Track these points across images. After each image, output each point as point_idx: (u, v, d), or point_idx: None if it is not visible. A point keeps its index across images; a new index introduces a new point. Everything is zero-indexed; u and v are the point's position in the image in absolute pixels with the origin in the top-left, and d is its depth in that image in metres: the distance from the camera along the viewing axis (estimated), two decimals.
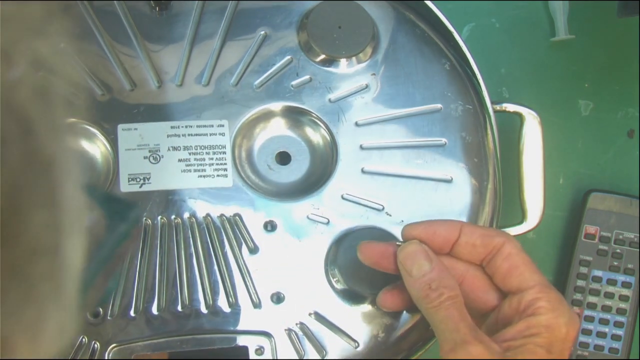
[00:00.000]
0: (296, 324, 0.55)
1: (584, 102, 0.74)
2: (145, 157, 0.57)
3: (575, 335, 0.47)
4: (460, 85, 0.60)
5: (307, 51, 0.59)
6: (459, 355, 0.46)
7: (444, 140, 0.59)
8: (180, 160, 0.57)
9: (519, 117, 0.64)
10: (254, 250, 0.56)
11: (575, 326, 0.47)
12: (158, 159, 0.57)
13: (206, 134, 0.57)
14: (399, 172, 0.58)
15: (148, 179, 0.56)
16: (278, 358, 0.54)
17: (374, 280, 0.54)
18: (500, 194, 0.60)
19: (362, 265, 0.52)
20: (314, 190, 0.58)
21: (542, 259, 0.73)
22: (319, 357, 0.55)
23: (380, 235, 0.56)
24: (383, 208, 0.57)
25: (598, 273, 0.70)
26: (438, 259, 0.49)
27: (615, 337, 0.69)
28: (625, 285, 0.69)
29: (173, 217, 0.56)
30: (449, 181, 0.58)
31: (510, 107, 0.64)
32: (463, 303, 0.48)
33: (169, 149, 0.57)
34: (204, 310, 0.55)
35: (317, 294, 0.56)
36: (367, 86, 0.59)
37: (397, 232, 0.56)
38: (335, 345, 0.56)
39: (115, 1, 0.59)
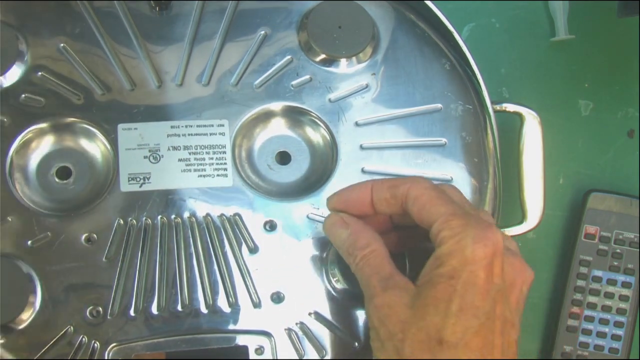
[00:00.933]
0: (296, 324, 0.55)
1: (584, 102, 0.74)
2: (145, 157, 0.57)
3: (487, 253, 0.45)
4: (460, 85, 0.60)
5: (307, 51, 0.59)
6: (369, 310, 0.47)
7: (444, 140, 0.59)
8: (180, 160, 0.57)
9: (519, 117, 0.64)
10: (253, 250, 0.56)
11: (484, 243, 0.45)
12: (158, 159, 0.57)
13: (206, 134, 0.57)
14: (399, 172, 0.58)
15: (148, 179, 0.56)
16: (278, 358, 0.54)
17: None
18: (500, 194, 0.60)
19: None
20: (314, 190, 0.58)
21: (542, 259, 0.73)
22: (319, 357, 0.55)
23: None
24: None
25: (598, 273, 0.70)
26: (355, 222, 0.51)
27: (615, 337, 0.69)
28: (625, 285, 0.69)
29: (173, 216, 0.56)
30: (449, 181, 0.58)
31: (510, 107, 0.64)
32: (382, 255, 0.49)
33: (169, 149, 0.57)
34: (203, 310, 0.55)
35: (317, 294, 0.56)
36: (367, 86, 0.59)
37: None
38: (335, 345, 0.56)
39: (115, 1, 0.59)
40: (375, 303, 0.47)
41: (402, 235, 0.54)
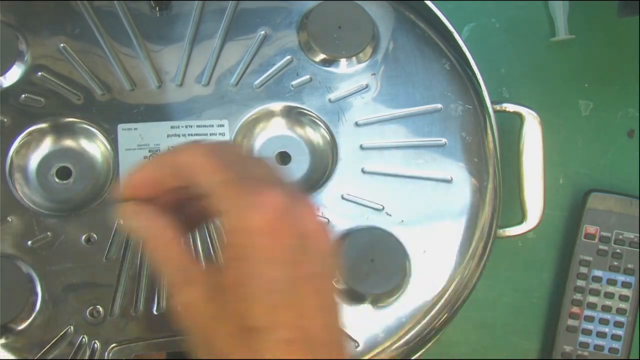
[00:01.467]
0: None
1: (584, 102, 0.74)
2: (145, 157, 0.57)
3: (267, 217, 0.39)
4: (460, 85, 0.60)
5: (307, 51, 0.59)
6: (176, 309, 0.42)
7: (444, 140, 0.59)
8: None
9: (519, 117, 0.64)
10: None
11: (260, 208, 0.39)
12: None
13: (206, 134, 0.57)
14: (399, 172, 0.58)
15: None
16: None
17: (374, 280, 0.54)
18: (500, 194, 0.60)
19: (362, 265, 0.52)
20: (314, 190, 0.58)
21: (542, 259, 0.73)
22: None
23: (380, 235, 0.56)
24: (383, 208, 0.57)
25: (598, 273, 0.70)
26: (142, 211, 0.44)
27: (615, 337, 0.69)
28: (625, 285, 0.69)
29: None
30: (449, 181, 0.58)
31: (510, 107, 0.64)
32: (173, 244, 0.43)
33: (169, 149, 0.57)
34: None
35: None
36: (367, 86, 0.59)
37: (397, 232, 0.56)
38: None
39: (115, 1, 0.59)
40: (177, 303, 0.42)
41: (201, 206, 0.46)
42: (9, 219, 0.55)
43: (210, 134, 0.57)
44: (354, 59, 0.59)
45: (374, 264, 0.55)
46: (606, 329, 0.69)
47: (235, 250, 0.40)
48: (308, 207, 0.43)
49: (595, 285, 0.69)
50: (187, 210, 0.45)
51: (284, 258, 0.40)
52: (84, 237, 0.55)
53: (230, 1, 0.60)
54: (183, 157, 0.42)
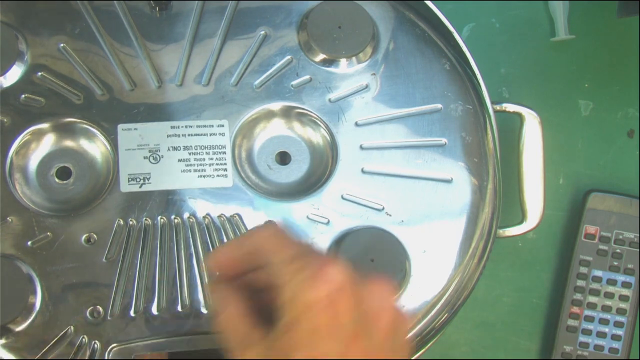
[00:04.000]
0: None
1: (584, 102, 0.74)
2: (145, 157, 0.57)
3: (324, 293, 0.41)
4: (460, 85, 0.60)
5: (307, 51, 0.59)
6: None
7: (444, 140, 0.59)
8: (180, 160, 0.57)
9: (519, 117, 0.64)
10: None
11: (319, 284, 0.41)
12: (158, 159, 0.57)
13: (206, 134, 0.57)
14: (399, 172, 0.58)
15: (148, 179, 0.56)
16: None
17: None
18: (500, 194, 0.60)
19: (362, 265, 0.52)
20: (314, 190, 0.58)
21: (542, 259, 0.73)
22: None
23: (380, 234, 0.56)
24: (383, 208, 0.57)
25: (598, 273, 0.70)
26: (215, 290, 0.48)
27: (615, 337, 0.69)
28: (625, 285, 0.69)
29: (173, 217, 0.56)
30: (449, 181, 0.58)
31: (510, 107, 0.64)
32: (235, 315, 0.45)
33: (169, 149, 0.57)
34: (203, 310, 0.55)
35: None
36: (367, 86, 0.59)
37: (397, 232, 0.56)
38: None
39: (115, 1, 0.59)
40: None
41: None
42: (9, 219, 0.55)
43: (210, 134, 0.57)
44: (354, 59, 0.59)
45: (374, 264, 0.55)
46: (606, 329, 0.69)
47: (290, 322, 0.42)
48: (379, 288, 0.44)
49: (595, 285, 0.69)
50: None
51: (338, 332, 0.41)
52: (83, 237, 0.55)
53: (230, 1, 0.60)
54: (256, 238, 0.46)
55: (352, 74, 0.60)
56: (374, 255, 0.56)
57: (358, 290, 0.43)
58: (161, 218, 0.56)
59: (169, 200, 0.56)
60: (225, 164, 0.57)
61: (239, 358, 0.44)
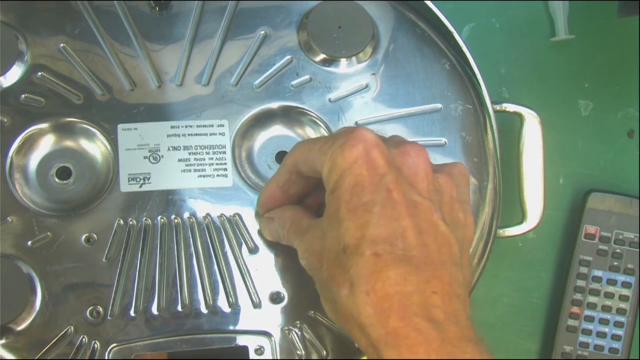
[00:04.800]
0: (296, 324, 0.55)
1: (584, 102, 0.74)
2: (145, 157, 0.57)
3: (358, 152, 0.45)
4: (460, 85, 0.60)
5: (307, 51, 0.59)
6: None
7: (444, 140, 0.59)
8: (180, 160, 0.57)
9: (519, 117, 0.64)
10: (253, 250, 0.56)
11: (351, 144, 0.45)
12: (158, 159, 0.57)
13: (206, 134, 0.57)
14: None
15: (148, 179, 0.56)
16: (278, 358, 0.54)
17: None
18: (500, 194, 0.60)
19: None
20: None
21: (542, 259, 0.73)
22: (319, 357, 0.55)
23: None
24: None
25: (598, 273, 0.70)
26: (276, 211, 0.54)
27: (615, 337, 0.69)
28: (625, 285, 0.69)
29: (173, 217, 0.56)
30: None
31: (510, 107, 0.64)
32: (297, 214, 0.51)
33: (169, 149, 0.57)
34: (204, 310, 0.55)
35: (317, 294, 0.56)
36: (367, 86, 0.59)
37: None
38: (335, 345, 0.56)
39: (115, 1, 0.59)
40: (299, 251, 0.49)
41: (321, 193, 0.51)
42: (9, 219, 0.55)
43: (210, 134, 0.57)
44: (353, 58, 0.59)
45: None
46: (606, 329, 0.69)
47: (333, 186, 0.45)
48: (412, 149, 0.47)
49: (595, 285, 0.69)
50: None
51: (378, 184, 0.44)
52: (84, 237, 0.55)
53: (230, 1, 0.60)
54: (294, 155, 0.50)
55: (352, 74, 0.60)
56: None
57: (388, 149, 0.46)
58: (161, 218, 0.56)
59: (169, 200, 0.56)
60: (225, 163, 0.57)
61: (299, 246, 0.49)
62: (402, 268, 0.43)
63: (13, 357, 0.53)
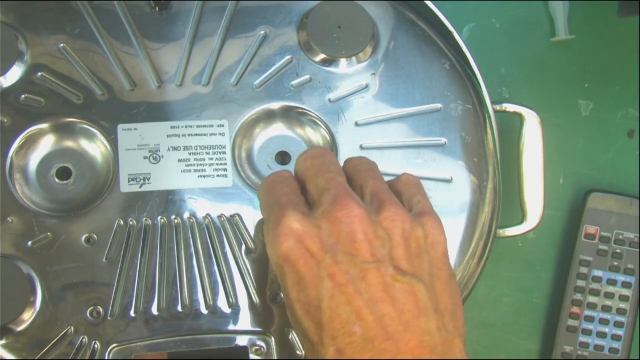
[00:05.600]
0: None
1: (584, 102, 0.74)
2: (145, 157, 0.57)
3: (286, 250, 0.44)
4: (460, 84, 0.60)
5: (307, 51, 0.59)
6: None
7: (443, 140, 0.59)
8: (180, 160, 0.57)
9: (519, 117, 0.64)
10: (253, 250, 0.56)
11: (279, 242, 0.44)
12: (158, 159, 0.57)
13: (206, 134, 0.57)
14: (399, 172, 0.58)
15: (148, 179, 0.56)
16: (278, 358, 0.54)
17: None
18: (500, 194, 0.60)
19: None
20: None
21: (542, 259, 0.73)
22: None
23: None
24: None
25: (598, 273, 0.70)
26: None
27: (615, 337, 0.69)
28: (625, 285, 0.69)
29: (173, 217, 0.56)
30: (449, 181, 0.58)
31: (510, 107, 0.64)
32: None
33: (168, 149, 0.57)
34: (203, 310, 0.55)
35: None
36: (366, 86, 0.59)
37: None
38: None
39: (115, 1, 0.59)
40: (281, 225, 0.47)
41: None
42: (9, 219, 0.55)
43: (210, 134, 0.57)
44: (353, 58, 0.59)
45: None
46: (606, 329, 0.69)
47: (278, 274, 0.46)
48: (342, 212, 0.45)
49: (595, 285, 0.69)
50: None
51: (313, 276, 0.44)
52: (84, 237, 0.55)
53: (230, 0, 0.60)
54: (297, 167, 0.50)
55: (351, 74, 0.60)
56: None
57: (316, 221, 0.45)
58: (161, 218, 0.56)
59: (169, 200, 0.56)
60: (225, 163, 0.57)
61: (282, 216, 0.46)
62: (369, 353, 0.42)
63: (13, 357, 0.53)
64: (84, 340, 0.53)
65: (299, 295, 0.44)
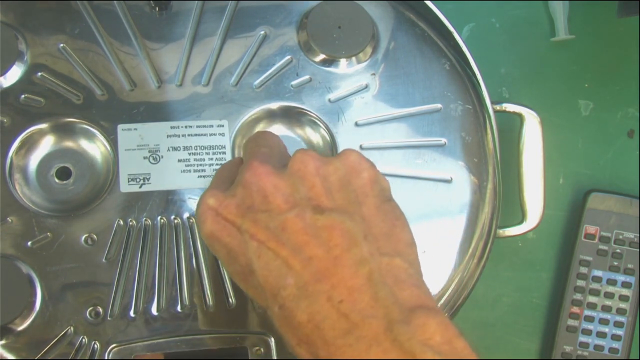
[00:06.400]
0: None
1: (584, 102, 0.74)
2: (145, 158, 0.57)
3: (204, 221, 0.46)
4: (460, 85, 0.60)
5: (307, 51, 0.59)
6: None
7: (443, 140, 0.59)
8: (180, 161, 0.57)
9: (519, 117, 0.64)
10: None
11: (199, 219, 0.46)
12: (158, 159, 0.57)
13: (206, 134, 0.57)
14: (399, 172, 0.58)
15: (148, 179, 0.56)
16: (277, 358, 0.54)
17: None
18: (500, 194, 0.60)
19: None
20: None
21: (542, 259, 0.73)
22: None
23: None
24: None
25: (598, 273, 0.70)
26: None
27: (615, 337, 0.69)
28: (625, 285, 0.69)
29: (173, 217, 0.56)
30: (449, 181, 0.58)
31: (510, 107, 0.64)
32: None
33: (168, 149, 0.57)
34: (203, 310, 0.55)
35: None
36: (366, 86, 0.59)
37: None
38: None
39: (115, 1, 0.59)
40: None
41: None
42: (9, 219, 0.55)
43: (210, 134, 0.57)
44: (353, 59, 0.59)
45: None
46: (606, 329, 0.69)
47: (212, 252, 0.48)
48: (249, 172, 0.46)
49: (595, 285, 0.69)
50: None
51: (238, 242, 0.45)
52: (83, 237, 0.55)
53: (230, 1, 0.60)
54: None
55: (351, 74, 0.60)
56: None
57: (228, 187, 0.47)
58: (161, 218, 0.56)
59: (169, 200, 0.56)
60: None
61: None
62: (305, 301, 0.41)
63: (13, 357, 0.53)
64: (83, 340, 0.53)
65: (235, 267, 0.45)
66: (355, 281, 0.41)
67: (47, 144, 0.57)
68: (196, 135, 0.57)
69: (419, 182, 0.58)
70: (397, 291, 0.41)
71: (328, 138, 0.59)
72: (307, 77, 0.59)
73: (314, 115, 0.59)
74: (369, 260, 0.42)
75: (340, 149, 0.58)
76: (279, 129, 0.59)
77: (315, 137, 0.59)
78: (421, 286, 0.43)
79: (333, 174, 0.45)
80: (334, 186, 0.44)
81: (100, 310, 0.54)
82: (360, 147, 0.58)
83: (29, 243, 0.54)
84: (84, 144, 0.57)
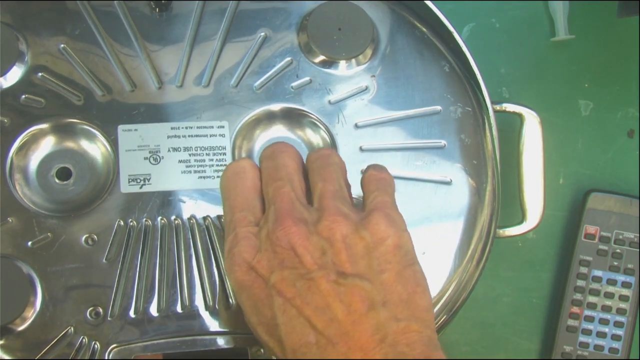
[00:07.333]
0: None
1: (584, 102, 0.74)
2: (145, 158, 0.57)
3: (237, 280, 0.48)
4: (459, 87, 0.60)
5: (307, 53, 0.59)
6: None
7: (443, 142, 0.59)
8: (180, 162, 0.57)
9: (519, 117, 0.64)
10: None
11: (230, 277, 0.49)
12: (158, 160, 0.57)
13: (206, 135, 0.58)
14: (399, 174, 0.58)
15: (148, 180, 0.57)
16: (277, 359, 0.55)
17: None
18: (499, 196, 0.60)
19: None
20: None
21: (542, 259, 0.73)
22: None
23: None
24: None
25: (598, 273, 0.70)
26: None
27: (615, 337, 0.69)
28: (625, 285, 0.69)
29: (173, 218, 0.56)
30: (448, 183, 0.58)
31: (510, 107, 0.64)
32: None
33: (169, 150, 0.57)
34: (203, 311, 0.55)
35: None
36: (366, 88, 0.59)
37: None
38: None
39: (115, 1, 0.59)
40: None
41: None
42: (9, 219, 0.55)
43: (211, 135, 0.57)
44: (353, 60, 0.59)
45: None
46: (606, 329, 0.69)
47: (237, 300, 0.51)
48: (280, 227, 0.47)
49: (595, 285, 0.70)
50: None
51: (265, 295, 0.47)
52: (84, 237, 0.55)
53: (231, 2, 0.60)
54: None
55: (351, 76, 0.60)
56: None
57: (261, 238, 0.48)
58: (161, 219, 0.56)
59: (169, 201, 0.56)
60: (225, 165, 0.57)
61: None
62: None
63: (13, 358, 0.53)
64: (83, 340, 0.54)
65: (259, 319, 0.47)
66: (369, 345, 0.44)
67: (47, 144, 0.57)
68: (196, 136, 0.57)
69: (418, 184, 0.58)
70: (408, 351, 0.44)
71: (328, 139, 0.59)
72: (307, 78, 0.59)
73: (314, 117, 0.59)
74: (385, 326, 0.44)
75: (341, 150, 0.58)
76: (279, 130, 0.59)
77: (316, 138, 0.59)
78: (429, 345, 0.46)
79: (359, 243, 0.47)
80: (358, 254, 0.46)
81: (101, 310, 0.54)
82: (360, 148, 0.58)
83: (30, 243, 0.55)
84: (85, 145, 0.57)
